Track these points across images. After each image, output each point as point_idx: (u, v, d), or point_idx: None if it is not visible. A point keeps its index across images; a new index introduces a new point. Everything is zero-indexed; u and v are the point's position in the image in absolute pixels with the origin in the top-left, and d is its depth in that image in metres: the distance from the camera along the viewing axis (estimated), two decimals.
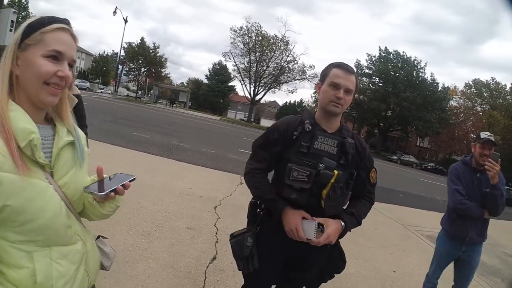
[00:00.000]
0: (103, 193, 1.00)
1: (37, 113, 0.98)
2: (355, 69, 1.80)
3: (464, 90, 50.95)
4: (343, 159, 1.68)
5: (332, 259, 1.87)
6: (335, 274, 1.94)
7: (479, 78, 51.78)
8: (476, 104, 49.74)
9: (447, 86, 47.15)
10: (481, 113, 47.76)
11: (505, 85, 48.85)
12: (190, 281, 2.92)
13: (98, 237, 1.29)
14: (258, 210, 1.87)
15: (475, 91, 50.09)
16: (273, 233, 1.75)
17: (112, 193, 1.03)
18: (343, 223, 1.68)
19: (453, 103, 49.19)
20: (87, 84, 43.32)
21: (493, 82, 49.30)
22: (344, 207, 1.82)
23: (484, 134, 2.77)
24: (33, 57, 0.91)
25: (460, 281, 3.07)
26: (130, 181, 1.08)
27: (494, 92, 48.77)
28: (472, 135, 45.59)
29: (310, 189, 1.62)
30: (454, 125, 45.26)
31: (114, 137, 9.38)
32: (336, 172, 1.61)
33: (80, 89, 3.66)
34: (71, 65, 0.98)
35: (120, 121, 14.24)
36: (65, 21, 0.98)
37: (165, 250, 3.37)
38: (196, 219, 4.40)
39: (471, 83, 50.79)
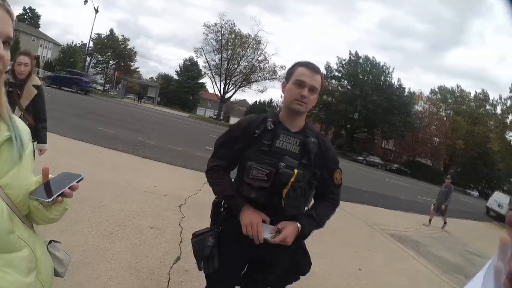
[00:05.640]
0: (50, 200, 0.90)
1: None
2: (323, 70, 1.78)
3: (430, 96, 53.15)
4: (306, 158, 1.66)
5: (297, 260, 1.85)
6: (300, 276, 1.92)
7: (444, 85, 54.40)
8: (440, 110, 52.01)
9: (413, 92, 49.02)
10: (445, 118, 50.00)
11: (469, 92, 51.74)
12: (153, 282, 2.83)
13: (50, 241, 1.18)
14: (221, 209, 1.83)
15: (440, 97, 52.38)
16: (235, 234, 1.69)
17: (60, 197, 0.93)
18: (299, 225, 1.65)
19: (418, 107, 51.17)
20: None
21: (458, 89, 51.87)
22: (308, 207, 1.80)
23: None
24: None
25: None
26: (77, 181, 0.98)
27: (459, 99, 51.26)
28: (435, 138, 47.89)
29: (269, 188, 1.59)
30: (418, 129, 47.06)
31: (78, 132, 8.99)
32: (296, 171, 1.58)
33: None
34: (7, 43, 0.85)
35: (86, 115, 13.70)
36: None
37: (127, 250, 3.24)
38: (160, 218, 4.28)
39: (436, 89, 53.18)
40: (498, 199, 18.15)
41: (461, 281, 5.14)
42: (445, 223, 9.52)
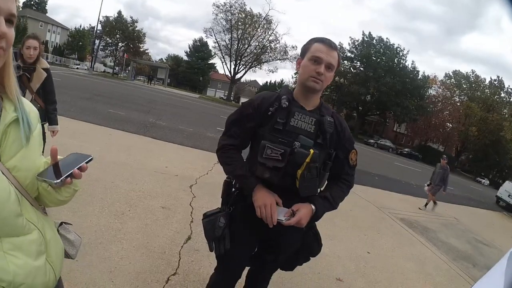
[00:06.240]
0: (58, 181, 0.88)
1: None
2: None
3: (444, 80, 52.08)
4: (321, 138, 1.61)
5: (308, 242, 1.84)
6: (310, 257, 1.92)
7: (459, 70, 53.22)
8: (454, 95, 51.00)
9: (427, 75, 48.06)
10: (458, 104, 49.05)
11: (484, 78, 50.41)
12: (164, 261, 2.86)
13: (61, 223, 1.17)
14: (233, 189, 1.80)
15: (454, 82, 51.28)
16: (246, 214, 1.68)
17: (69, 179, 0.91)
18: (313, 207, 1.61)
19: (432, 91, 50.22)
20: None
21: (472, 75, 50.64)
22: (322, 188, 1.76)
23: None
24: None
25: None
26: (87, 162, 0.95)
27: (473, 85, 50.12)
28: (448, 123, 47.16)
29: (284, 168, 1.55)
30: (431, 113, 46.31)
31: (89, 114, 9.06)
32: (312, 151, 1.53)
33: None
34: (10, 21, 0.81)
35: (96, 98, 13.76)
36: None
37: (138, 230, 3.28)
38: (171, 199, 4.31)
39: (451, 73, 52.00)
40: (508, 189, 17.79)
41: (469, 269, 5.13)
42: (426, 204, 9.05)
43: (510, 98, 48.01)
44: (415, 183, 14.17)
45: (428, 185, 9.38)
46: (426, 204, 9.07)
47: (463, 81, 50.68)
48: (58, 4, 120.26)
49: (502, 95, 48.42)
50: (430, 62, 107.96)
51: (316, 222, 1.82)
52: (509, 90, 47.83)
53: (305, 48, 1.64)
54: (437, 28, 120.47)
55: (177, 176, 5.32)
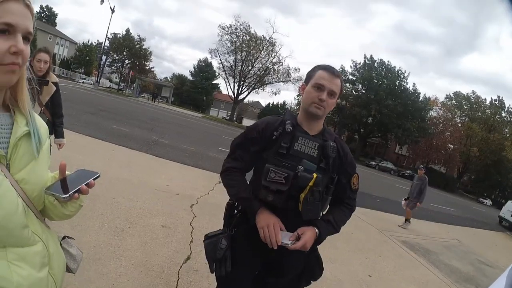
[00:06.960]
0: (66, 196, 0.90)
1: None
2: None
3: (445, 102, 52.48)
4: (324, 162, 1.64)
5: (309, 265, 1.83)
6: (311, 281, 1.90)
7: (460, 91, 53.74)
8: (455, 116, 51.31)
9: (428, 97, 48.42)
10: (459, 125, 49.29)
11: (485, 99, 50.90)
12: (163, 281, 2.83)
13: (64, 237, 1.18)
14: (235, 211, 1.81)
15: (455, 103, 51.68)
16: (249, 237, 1.68)
17: (76, 194, 0.93)
18: (317, 231, 1.63)
19: (433, 113, 50.54)
20: None
21: (473, 96, 51.12)
22: (324, 212, 1.78)
23: None
24: None
25: None
26: (94, 179, 0.98)
27: (474, 105, 50.51)
28: (450, 145, 47.29)
29: (287, 191, 1.57)
30: (432, 135, 46.42)
31: (92, 129, 9.13)
32: (315, 175, 1.55)
33: None
34: (27, 38, 0.84)
35: (100, 113, 13.89)
36: None
37: (138, 248, 3.26)
38: (172, 217, 4.29)
39: (452, 95, 52.58)
40: (511, 209, 17.71)
41: None
42: (406, 220, 8.48)
43: (511, 118, 48.27)
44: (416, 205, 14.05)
45: (405, 199, 8.81)
46: (406, 220, 8.56)
47: (464, 102, 51.17)
48: (68, 18, 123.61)
49: (503, 114, 48.91)
50: (431, 84, 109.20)
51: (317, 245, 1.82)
52: (510, 109, 48.30)
53: (309, 75, 1.70)
54: (437, 49, 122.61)
55: (178, 195, 5.30)
